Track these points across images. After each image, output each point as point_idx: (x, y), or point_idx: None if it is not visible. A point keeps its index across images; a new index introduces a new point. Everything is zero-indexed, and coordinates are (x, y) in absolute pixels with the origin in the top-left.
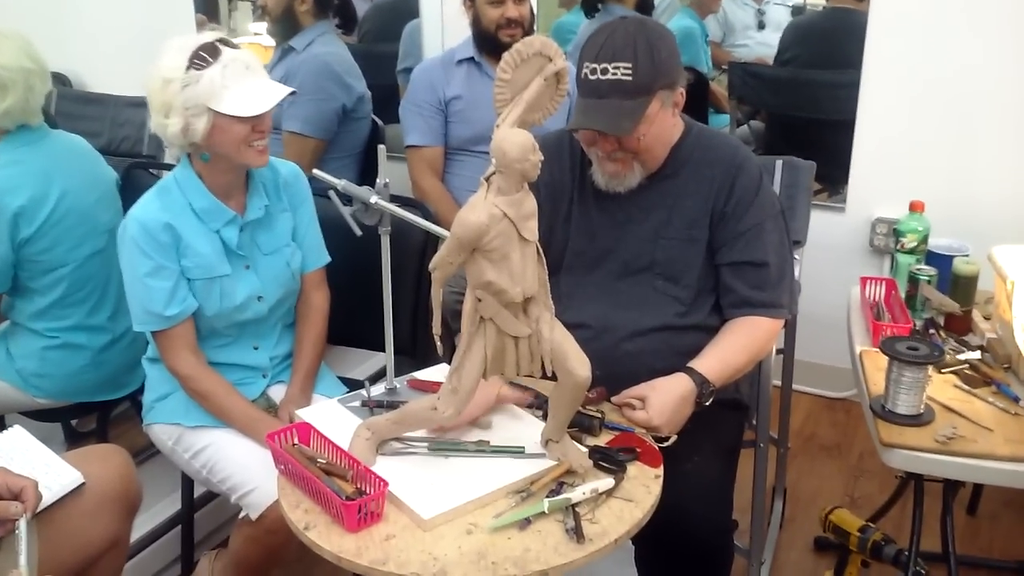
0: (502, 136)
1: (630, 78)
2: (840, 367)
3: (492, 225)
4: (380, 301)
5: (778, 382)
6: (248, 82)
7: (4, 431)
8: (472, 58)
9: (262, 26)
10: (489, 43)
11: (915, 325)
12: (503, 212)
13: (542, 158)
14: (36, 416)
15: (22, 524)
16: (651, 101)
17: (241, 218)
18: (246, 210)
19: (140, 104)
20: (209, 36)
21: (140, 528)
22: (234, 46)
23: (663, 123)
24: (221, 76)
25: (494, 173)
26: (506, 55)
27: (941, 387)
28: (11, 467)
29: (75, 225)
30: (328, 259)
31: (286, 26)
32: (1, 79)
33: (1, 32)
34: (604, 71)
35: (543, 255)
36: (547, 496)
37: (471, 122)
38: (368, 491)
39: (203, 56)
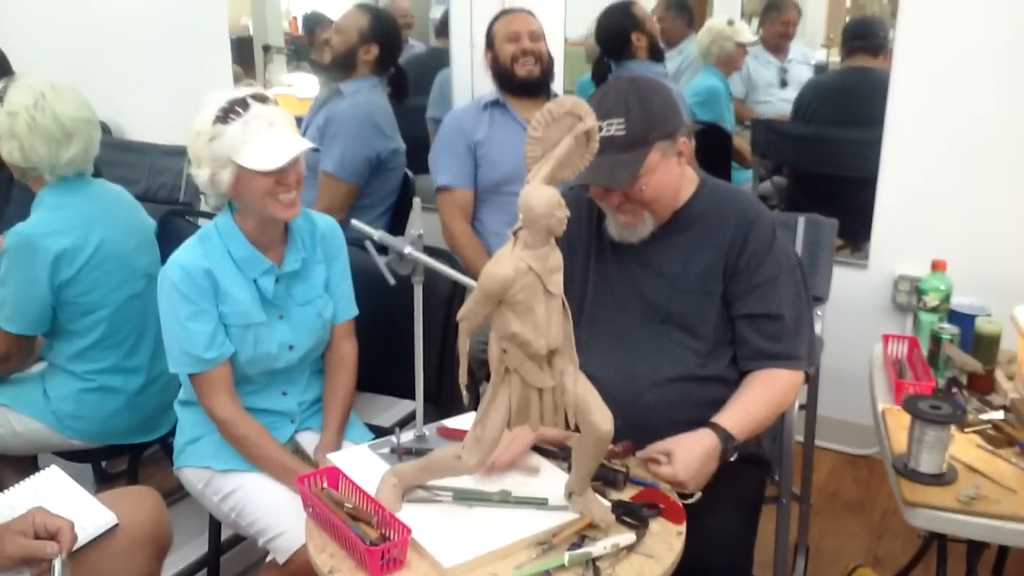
0: (529, 192)
1: (623, 132)
2: (864, 424)
3: (518, 278)
4: (407, 349)
5: (801, 438)
6: (269, 137)
7: (41, 471)
8: (497, 100)
9: (295, 77)
10: (507, 79)
11: (937, 384)
12: (529, 266)
13: (568, 214)
14: (68, 456)
15: (57, 564)
16: (649, 152)
17: (278, 269)
18: (284, 262)
19: (177, 153)
20: (243, 91)
21: (167, 570)
22: (265, 101)
23: (667, 172)
24: (242, 131)
25: (521, 228)
26: (537, 114)
27: (964, 447)
28: (48, 506)
29: (114, 269)
30: (356, 312)
31: (342, 69)
32: (67, 128)
33: (58, 84)
34: (599, 129)
35: (568, 309)
36: (568, 549)
37: (498, 164)
38: (392, 537)
39: (231, 110)
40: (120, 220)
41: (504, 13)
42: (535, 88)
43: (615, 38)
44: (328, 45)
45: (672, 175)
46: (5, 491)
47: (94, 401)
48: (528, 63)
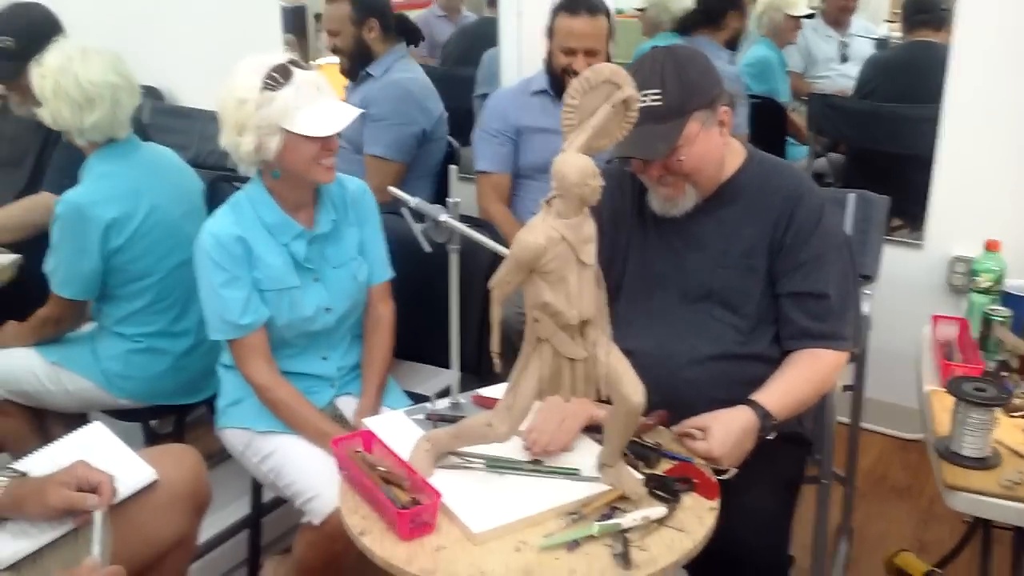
0: (563, 160)
1: (660, 102)
2: (914, 407)
3: (550, 247)
4: (449, 319)
5: (847, 419)
6: (319, 103)
7: (85, 427)
8: (546, 90)
9: None
10: (558, 83)
11: (987, 366)
12: (561, 235)
13: (602, 183)
14: (117, 415)
15: (98, 516)
16: (686, 122)
17: (309, 232)
18: (315, 224)
19: None
20: (280, 57)
21: (209, 530)
22: (304, 67)
23: (708, 142)
24: (295, 97)
25: (555, 196)
26: (574, 81)
27: (1009, 431)
28: (90, 461)
29: (162, 237)
30: (392, 274)
31: (361, 59)
32: (88, 93)
33: (91, 49)
34: None
35: (602, 279)
36: (598, 520)
37: (542, 150)
38: (423, 501)
39: (276, 77)
40: (168, 187)
41: (569, 11)
42: None
43: (714, 9)
44: (335, 52)
45: (713, 146)
46: (49, 445)
47: (141, 362)
48: None
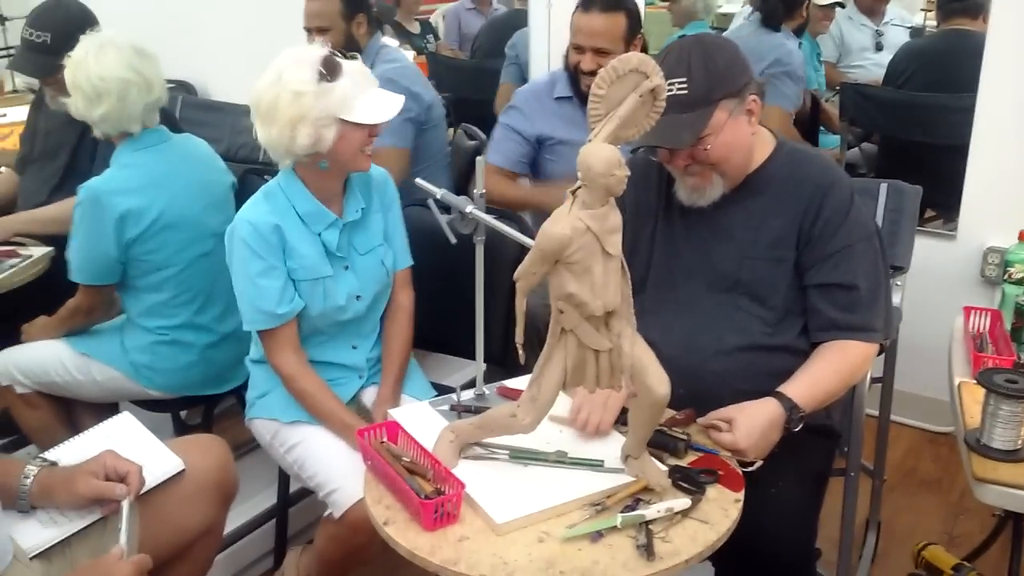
0: (588, 150)
1: (686, 91)
2: (946, 400)
3: (575, 238)
4: (475, 310)
5: (875, 411)
6: (369, 91)
7: (114, 417)
8: (571, 96)
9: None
10: (575, 83)
11: (1019, 358)
12: (587, 225)
13: (628, 173)
14: (148, 406)
15: (125, 506)
16: (713, 111)
17: (341, 221)
18: (344, 212)
19: None
20: (322, 49)
21: (237, 519)
22: (347, 58)
23: (735, 131)
24: (351, 86)
25: (580, 187)
26: (602, 71)
27: None
28: (118, 450)
29: (181, 230)
30: (411, 261)
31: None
32: (96, 88)
33: (109, 42)
34: None
35: (627, 270)
36: (622, 511)
37: (567, 163)
38: (446, 491)
39: (331, 68)
40: (191, 180)
41: (584, 6)
42: None
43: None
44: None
45: (741, 135)
46: (78, 435)
47: (168, 354)
48: (590, 79)
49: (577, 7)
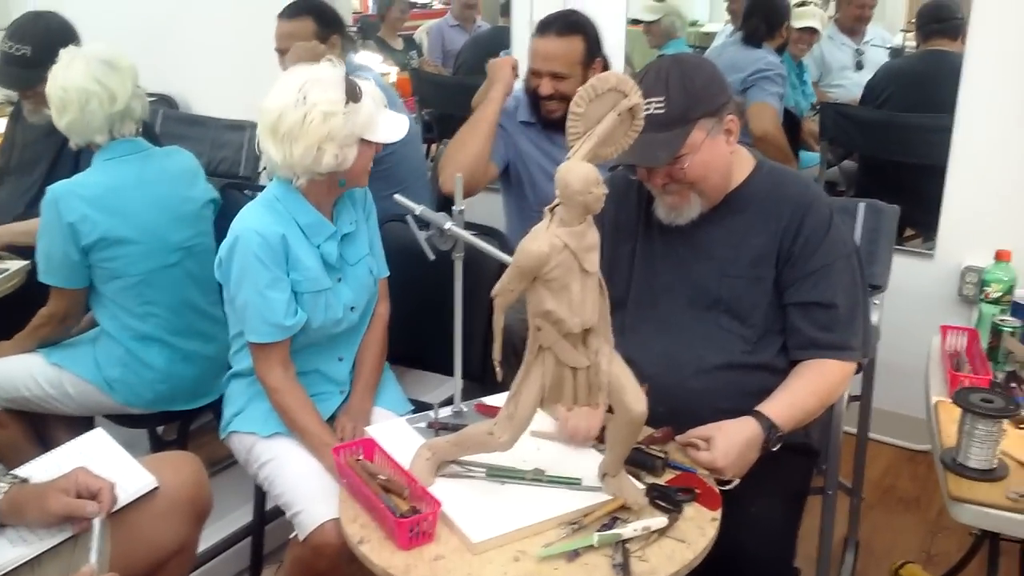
0: (567, 168)
1: (663, 110)
2: (923, 418)
3: (553, 255)
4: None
5: (854, 429)
6: (383, 111)
7: (86, 433)
8: (533, 123)
9: (360, 56)
10: (536, 107)
11: (995, 378)
12: (564, 243)
13: (606, 191)
14: (124, 422)
15: (97, 524)
16: (691, 130)
17: (338, 232)
18: (338, 224)
19: (239, 127)
20: (335, 68)
21: (212, 536)
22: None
23: (713, 151)
24: (373, 106)
25: (558, 204)
26: (581, 90)
27: (1017, 443)
28: (90, 467)
29: (138, 242)
30: (388, 272)
31: None
32: (61, 98)
33: (83, 55)
34: None
35: (605, 288)
36: (598, 530)
37: (538, 182)
38: (422, 510)
39: (356, 89)
40: (157, 193)
41: (540, 30)
42: (561, 125)
43: (774, 22)
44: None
45: (719, 154)
46: (50, 451)
47: (134, 368)
48: (549, 104)
49: (534, 31)
